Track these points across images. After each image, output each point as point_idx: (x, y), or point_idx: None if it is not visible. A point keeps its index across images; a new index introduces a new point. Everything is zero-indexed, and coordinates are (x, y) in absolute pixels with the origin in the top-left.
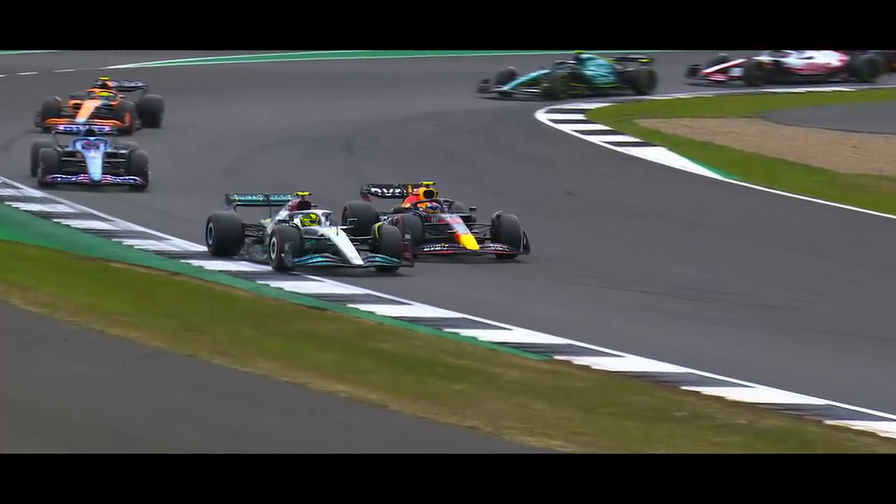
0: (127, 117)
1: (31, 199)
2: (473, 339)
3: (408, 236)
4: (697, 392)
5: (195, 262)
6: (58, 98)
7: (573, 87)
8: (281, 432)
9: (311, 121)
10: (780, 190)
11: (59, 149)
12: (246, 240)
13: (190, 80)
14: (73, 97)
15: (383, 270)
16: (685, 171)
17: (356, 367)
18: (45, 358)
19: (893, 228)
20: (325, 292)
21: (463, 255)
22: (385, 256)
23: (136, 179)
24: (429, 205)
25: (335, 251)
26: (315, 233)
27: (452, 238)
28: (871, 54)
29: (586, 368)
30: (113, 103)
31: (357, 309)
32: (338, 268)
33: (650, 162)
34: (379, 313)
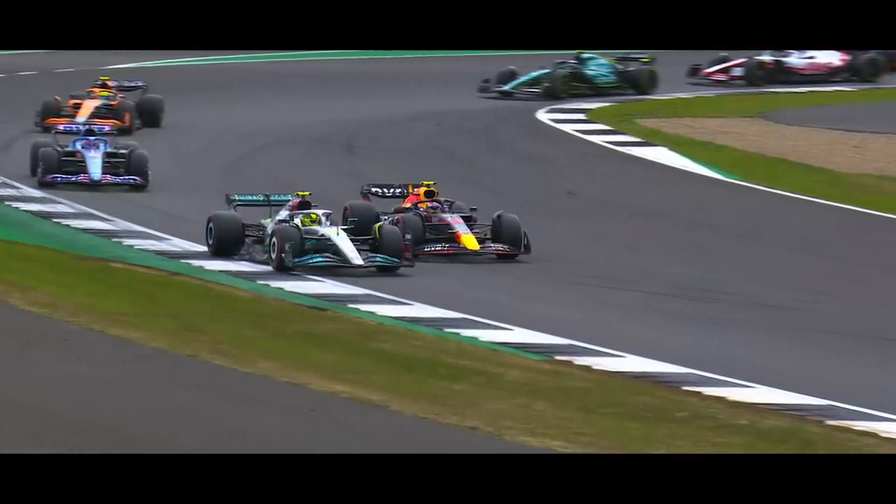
0: (127, 117)
1: (31, 199)
2: (474, 339)
3: (408, 236)
4: (698, 392)
5: (195, 262)
6: (57, 98)
7: (574, 86)
8: (281, 433)
9: (311, 120)
10: (782, 190)
11: (58, 149)
12: (246, 240)
13: (190, 80)
14: (72, 97)
15: (384, 270)
16: (686, 171)
17: (357, 368)
18: (45, 358)
19: (895, 228)
20: (326, 292)
21: (464, 255)
22: (385, 256)
23: (136, 179)
24: (429, 205)
25: (336, 251)
26: (315, 233)
27: (453, 238)
28: (872, 54)
29: (587, 369)
30: (113, 103)
31: (357, 309)
32: (338, 268)
33: (651, 162)
34: (379, 313)
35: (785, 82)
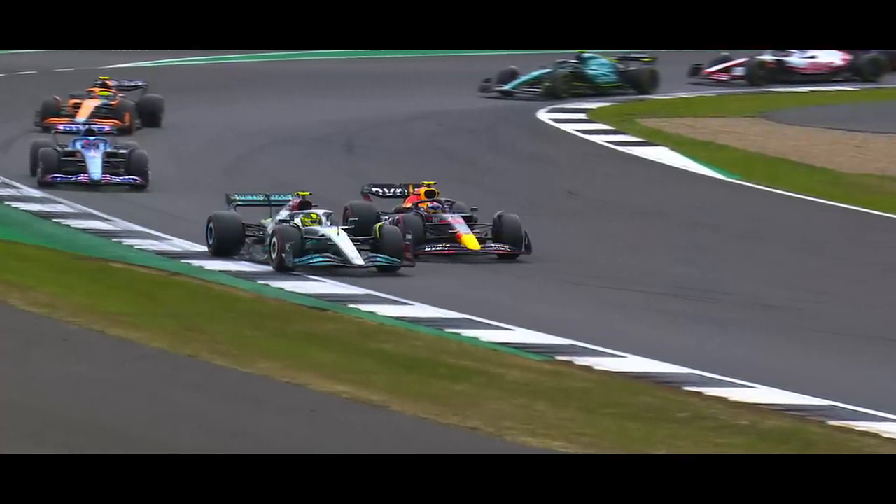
0: (127, 117)
1: (31, 199)
2: (475, 339)
3: (409, 236)
4: (700, 393)
5: (195, 262)
6: (57, 97)
7: (575, 86)
8: (281, 433)
9: (311, 120)
10: (783, 190)
11: (58, 148)
12: (246, 240)
13: (190, 80)
14: (72, 96)
15: (384, 270)
16: (687, 171)
17: (357, 368)
18: (45, 358)
19: None
20: (326, 292)
21: (464, 256)
22: (386, 256)
23: (136, 179)
24: (430, 204)
25: (336, 251)
26: (316, 233)
27: (454, 238)
28: (874, 53)
29: (588, 369)
30: (113, 103)
31: (358, 309)
32: (339, 268)
33: (652, 161)
34: (380, 314)
35: (786, 82)
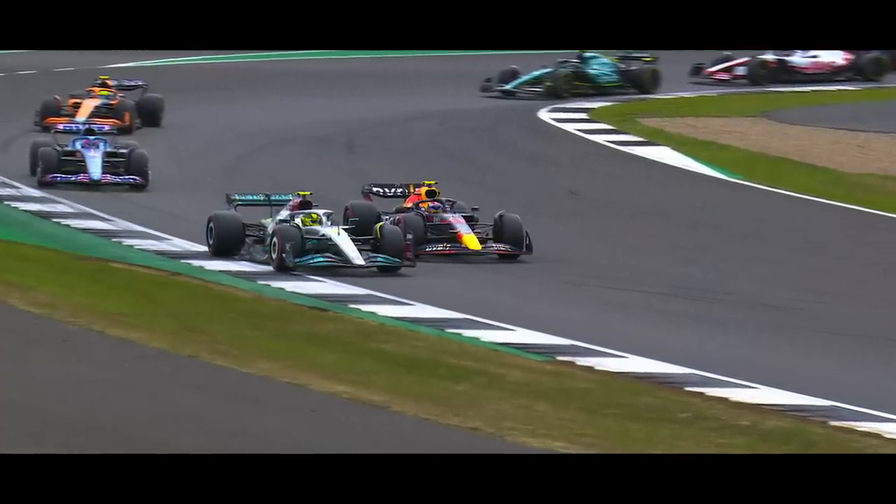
0: (127, 116)
1: (31, 199)
2: (476, 339)
3: (409, 236)
4: (701, 393)
5: (195, 262)
6: (57, 97)
7: (576, 85)
8: (282, 433)
9: (311, 120)
10: (785, 189)
11: (58, 148)
12: (247, 240)
13: (190, 80)
14: (72, 96)
15: (385, 270)
16: (689, 171)
17: (358, 368)
18: (45, 358)
19: None
20: (327, 293)
21: (465, 256)
22: (387, 256)
23: (135, 179)
24: (431, 204)
25: (336, 251)
26: (316, 233)
27: (454, 238)
28: (876, 53)
29: (589, 369)
30: (113, 102)
31: (359, 309)
32: (339, 268)
33: (653, 161)
34: (380, 314)
35: (788, 81)
